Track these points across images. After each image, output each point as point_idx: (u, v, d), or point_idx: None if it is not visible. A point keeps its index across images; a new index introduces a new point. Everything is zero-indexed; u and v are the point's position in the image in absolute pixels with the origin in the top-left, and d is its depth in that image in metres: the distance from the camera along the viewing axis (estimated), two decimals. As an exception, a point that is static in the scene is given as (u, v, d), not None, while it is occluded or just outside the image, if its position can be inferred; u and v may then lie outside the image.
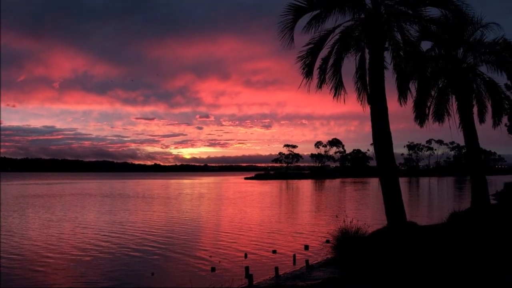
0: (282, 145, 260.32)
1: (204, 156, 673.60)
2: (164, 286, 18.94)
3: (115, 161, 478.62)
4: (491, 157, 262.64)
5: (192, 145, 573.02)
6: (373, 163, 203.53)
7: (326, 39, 22.70)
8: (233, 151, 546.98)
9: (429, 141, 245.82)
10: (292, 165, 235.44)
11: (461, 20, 25.99)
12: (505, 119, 36.83)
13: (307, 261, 21.12)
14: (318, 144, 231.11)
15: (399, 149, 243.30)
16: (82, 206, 57.26)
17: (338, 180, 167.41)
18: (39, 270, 21.71)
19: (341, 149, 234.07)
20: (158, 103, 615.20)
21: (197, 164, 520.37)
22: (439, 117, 32.10)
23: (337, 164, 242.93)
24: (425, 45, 28.87)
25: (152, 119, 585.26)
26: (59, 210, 51.23)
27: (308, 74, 22.79)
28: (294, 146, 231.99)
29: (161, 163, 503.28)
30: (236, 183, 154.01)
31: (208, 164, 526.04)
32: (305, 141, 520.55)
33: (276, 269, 19.62)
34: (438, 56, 31.38)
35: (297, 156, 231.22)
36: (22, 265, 22.73)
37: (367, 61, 22.61)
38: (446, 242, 19.83)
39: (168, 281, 19.63)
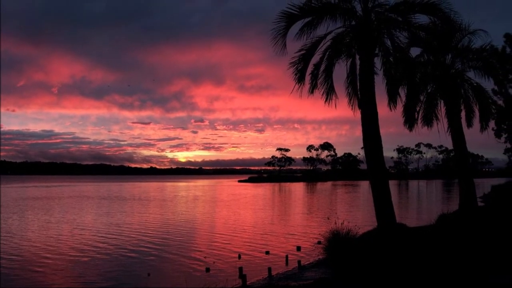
0: (275, 149, 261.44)
1: (199, 160, 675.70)
2: (160, 286, 18.91)
3: (112, 164, 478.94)
4: (478, 161, 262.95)
5: (187, 149, 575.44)
6: (363, 166, 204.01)
7: (318, 46, 22.73)
8: (227, 154, 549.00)
9: (418, 145, 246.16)
10: (284, 168, 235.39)
11: (449, 27, 26.03)
12: (492, 124, 36.95)
13: (299, 261, 21.15)
14: (310, 147, 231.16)
15: (389, 152, 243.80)
16: (80, 208, 57.09)
17: (329, 183, 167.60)
18: (38, 271, 21.62)
19: (332, 152, 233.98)
20: (154, 108, 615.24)
21: (192, 167, 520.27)
22: (428, 122, 32.15)
23: (329, 167, 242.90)
24: (414, 51, 28.95)
25: (148, 123, 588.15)
26: (58, 212, 51.07)
27: (300, 79, 22.80)
28: (287, 150, 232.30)
29: (157, 166, 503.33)
30: (230, 185, 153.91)
31: (203, 167, 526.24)
32: (297, 145, 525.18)
33: (269, 269, 19.61)
34: (427, 62, 31.46)
35: (290, 160, 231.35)
36: (22, 266, 22.65)
37: (358, 67, 22.67)
38: (435, 244, 19.84)
39: (164, 281, 19.59)
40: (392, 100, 23.47)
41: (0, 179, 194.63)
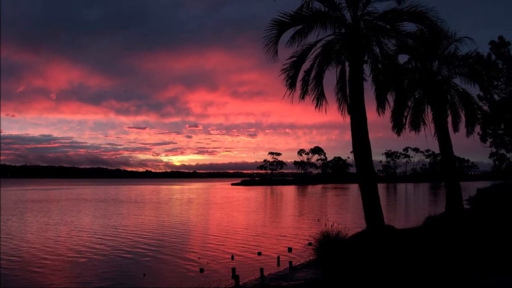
0: (267, 153, 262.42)
1: (193, 163, 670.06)
2: (156, 286, 18.89)
3: (109, 168, 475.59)
4: (464, 164, 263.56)
5: (182, 153, 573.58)
6: (353, 170, 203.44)
7: (309, 53, 22.74)
8: (221, 158, 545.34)
9: (406, 149, 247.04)
10: (276, 171, 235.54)
11: (436, 35, 26.08)
12: (477, 128, 36.94)
13: (290, 262, 21.16)
14: (301, 152, 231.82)
15: (378, 156, 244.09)
16: (77, 211, 56.90)
17: (319, 186, 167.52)
18: (37, 271, 21.59)
19: (322, 156, 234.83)
20: (150, 113, 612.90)
21: (186, 171, 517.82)
22: (416, 126, 32.20)
23: (319, 170, 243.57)
24: (402, 58, 28.97)
25: (144, 128, 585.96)
26: (56, 214, 50.86)
27: (291, 85, 22.76)
28: (278, 154, 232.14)
29: (152, 170, 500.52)
30: (223, 189, 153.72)
31: (197, 171, 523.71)
32: (289, 149, 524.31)
33: (261, 270, 19.61)
34: (414, 68, 31.53)
35: (281, 163, 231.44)
36: (21, 266, 22.60)
37: (347, 73, 22.66)
38: (422, 245, 19.85)
39: (159, 282, 19.58)
40: (381, 105, 23.48)
41: (0, 182, 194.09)
